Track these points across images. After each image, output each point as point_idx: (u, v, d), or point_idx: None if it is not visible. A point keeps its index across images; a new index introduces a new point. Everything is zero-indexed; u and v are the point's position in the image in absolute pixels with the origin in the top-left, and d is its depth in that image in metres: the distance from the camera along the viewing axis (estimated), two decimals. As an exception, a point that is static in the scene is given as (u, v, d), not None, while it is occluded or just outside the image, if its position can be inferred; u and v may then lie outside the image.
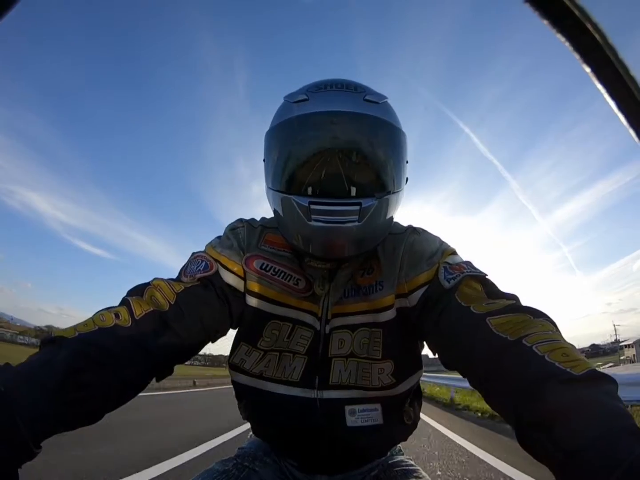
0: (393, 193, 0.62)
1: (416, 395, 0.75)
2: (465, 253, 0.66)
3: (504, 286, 0.59)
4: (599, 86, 0.19)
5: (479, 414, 6.04)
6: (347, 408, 0.65)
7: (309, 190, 0.60)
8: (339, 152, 0.59)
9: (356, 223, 0.58)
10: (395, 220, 0.69)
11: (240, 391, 0.73)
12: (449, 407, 7.89)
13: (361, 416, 0.65)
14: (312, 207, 0.57)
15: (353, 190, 0.59)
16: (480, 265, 0.62)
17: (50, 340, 0.48)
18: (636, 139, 0.19)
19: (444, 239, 0.70)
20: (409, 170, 0.66)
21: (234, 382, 0.72)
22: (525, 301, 0.54)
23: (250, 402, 0.73)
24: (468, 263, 0.63)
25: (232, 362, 0.70)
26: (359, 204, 0.58)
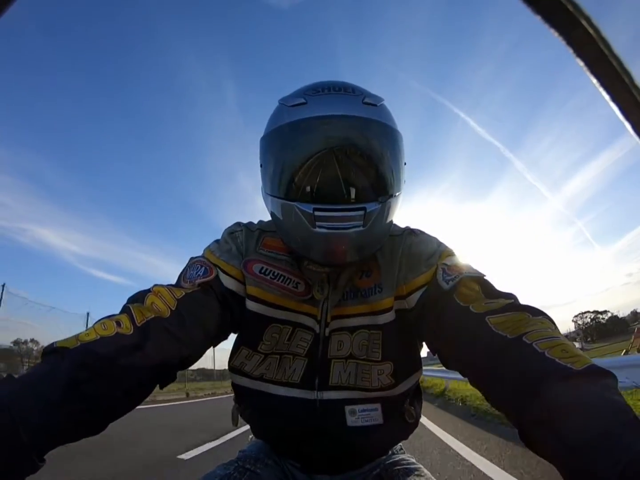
0: (394, 196, 0.62)
1: (416, 394, 0.75)
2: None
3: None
4: (594, 80, 0.19)
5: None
6: (347, 408, 0.65)
7: (312, 196, 0.58)
8: (341, 157, 0.58)
9: (360, 228, 0.56)
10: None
11: (241, 393, 0.72)
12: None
13: (361, 416, 0.65)
14: (317, 213, 0.56)
15: (353, 193, 0.58)
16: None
17: (53, 351, 0.47)
18: (632, 131, 0.19)
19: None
20: (406, 171, 0.66)
21: (234, 385, 0.72)
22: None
23: (251, 404, 0.73)
24: (466, 264, 0.63)
25: (232, 365, 0.70)
26: (364, 208, 0.56)
